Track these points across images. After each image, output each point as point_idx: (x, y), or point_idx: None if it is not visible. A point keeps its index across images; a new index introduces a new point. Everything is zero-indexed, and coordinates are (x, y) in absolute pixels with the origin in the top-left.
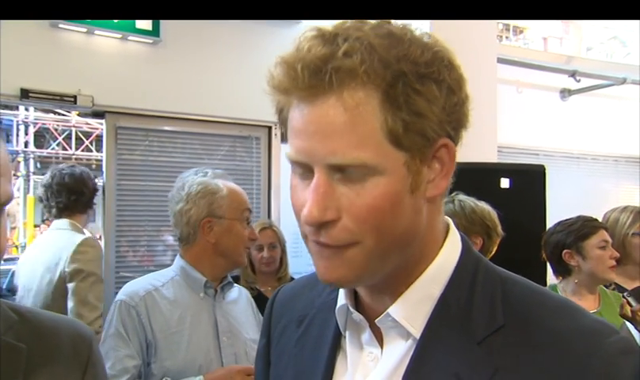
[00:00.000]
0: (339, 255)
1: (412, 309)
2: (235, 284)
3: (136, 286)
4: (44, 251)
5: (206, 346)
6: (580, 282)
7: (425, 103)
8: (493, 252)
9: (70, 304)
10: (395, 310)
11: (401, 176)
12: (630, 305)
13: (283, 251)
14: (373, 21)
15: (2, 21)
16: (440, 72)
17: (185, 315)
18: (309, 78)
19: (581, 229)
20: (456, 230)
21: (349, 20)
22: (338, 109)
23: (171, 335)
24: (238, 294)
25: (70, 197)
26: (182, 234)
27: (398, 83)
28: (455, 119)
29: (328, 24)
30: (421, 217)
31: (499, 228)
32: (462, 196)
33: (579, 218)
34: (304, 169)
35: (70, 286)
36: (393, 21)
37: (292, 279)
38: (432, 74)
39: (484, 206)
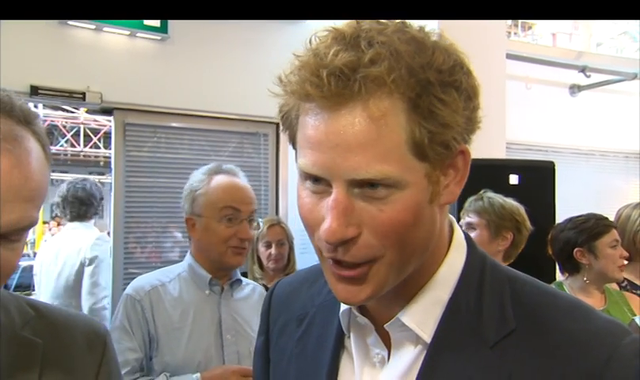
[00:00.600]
0: (360, 278)
1: (422, 314)
2: (251, 281)
3: (143, 281)
4: (66, 243)
5: (207, 343)
6: (591, 280)
7: (451, 113)
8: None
9: (86, 284)
10: (406, 316)
11: (422, 187)
12: None
13: (291, 248)
14: (390, 23)
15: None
16: (461, 79)
17: (188, 311)
18: (335, 86)
19: (594, 227)
20: (459, 228)
21: (365, 21)
22: (364, 119)
23: (173, 331)
24: (251, 292)
25: (81, 207)
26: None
27: (424, 93)
28: (471, 126)
29: (338, 24)
30: (437, 224)
31: (527, 222)
32: (490, 193)
33: (590, 216)
34: (319, 182)
35: (88, 269)
36: (407, 22)
37: None
38: (454, 82)
39: (512, 202)
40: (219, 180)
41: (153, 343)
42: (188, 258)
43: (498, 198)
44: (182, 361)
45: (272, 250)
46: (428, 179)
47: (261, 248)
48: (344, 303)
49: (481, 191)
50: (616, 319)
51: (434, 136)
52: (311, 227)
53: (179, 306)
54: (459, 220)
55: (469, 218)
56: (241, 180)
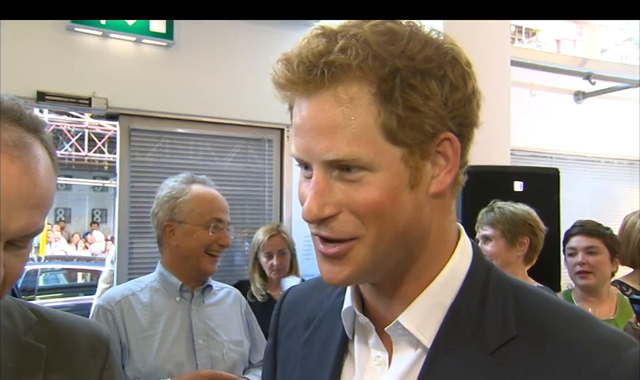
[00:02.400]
0: (342, 257)
1: (423, 317)
2: (227, 286)
3: (115, 291)
4: None
5: (177, 350)
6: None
7: (421, 98)
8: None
9: None
10: (406, 319)
11: (398, 171)
12: None
13: (293, 255)
14: (376, 21)
15: (19, 26)
16: (441, 67)
17: (159, 319)
18: (303, 73)
19: (566, 234)
20: (467, 237)
21: (355, 20)
22: (332, 104)
23: (143, 339)
24: (225, 295)
25: None
26: (156, 237)
27: (394, 79)
28: (459, 115)
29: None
30: (424, 213)
31: (541, 224)
32: (499, 203)
33: (580, 222)
34: (305, 165)
35: None
36: (404, 21)
37: (302, 280)
38: (430, 69)
39: (522, 207)
40: (200, 189)
41: (124, 351)
42: (158, 267)
43: (509, 206)
44: (153, 368)
45: (274, 261)
46: (405, 163)
47: (263, 259)
48: (327, 282)
49: (491, 203)
50: (622, 331)
51: (402, 120)
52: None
53: (149, 314)
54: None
55: (483, 230)
56: (214, 189)
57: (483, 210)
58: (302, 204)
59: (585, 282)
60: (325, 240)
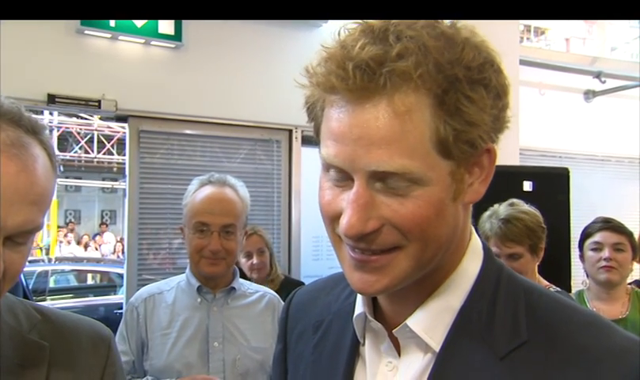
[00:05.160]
0: (381, 267)
1: (431, 320)
2: (264, 289)
3: (145, 289)
4: None
5: (189, 350)
6: (590, 283)
7: (477, 111)
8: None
9: None
10: (414, 322)
11: (445, 185)
12: None
13: (272, 254)
14: (425, 21)
15: (29, 29)
16: (491, 77)
17: (177, 319)
18: (360, 79)
19: (585, 229)
20: (478, 238)
21: (397, 20)
22: (389, 113)
23: (161, 336)
24: (257, 300)
25: None
26: None
27: (452, 89)
28: (499, 125)
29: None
30: (460, 223)
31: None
32: (502, 209)
33: (598, 218)
34: (341, 173)
35: None
36: (446, 21)
37: (301, 282)
38: (483, 79)
39: (529, 210)
40: (202, 192)
41: (145, 347)
42: (187, 267)
43: (517, 213)
44: (164, 366)
45: (254, 260)
46: (452, 177)
47: (242, 260)
48: (359, 293)
49: (490, 209)
50: (636, 337)
51: (459, 134)
52: (329, 218)
53: (170, 313)
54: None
55: (511, 248)
56: (227, 190)
57: (486, 215)
58: (325, 214)
59: (609, 276)
60: (364, 251)
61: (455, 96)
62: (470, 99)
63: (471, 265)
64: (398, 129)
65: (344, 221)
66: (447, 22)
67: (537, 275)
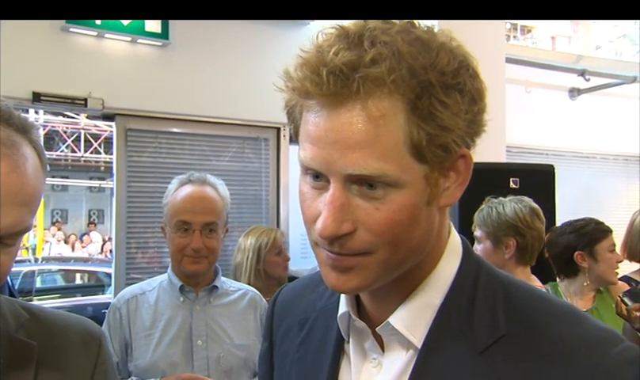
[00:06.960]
0: (351, 268)
1: (412, 318)
2: (245, 287)
3: (128, 290)
4: None
5: (173, 349)
6: (590, 283)
7: (451, 116)
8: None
9: None
10: (396, 319)
11: (420, 189)
12: (626, 304)
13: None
14: (397, 22)
15: (14, 27)
16: (465, 82)
17: (160, 318)
18: (334, 85)
19: (594, 232)
20: (456, 234)
21: (371, 21)
22: (362, 118)
23: (145, 337)
24: (239, 297)
25: None
26: None
27: (425, 94)
28: (474, 129)
29: (344, 23)
30: (434, 226)
31: (534, 222)
32: (494, 201)
33: (589, 220)
34: (319, 178)
35: None
36: (415, 22)
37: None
38: (457, 84)
39: (514, 206)
40: (182, 190)
41: (128, 348)
42: (169, 267)
43: (498, 206)
44: (148, 366)
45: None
46: (427, 181)
47: (274, 258)
48: (334, 290)
49: (487, 199)
50: (610, 327)
51: (432, 138)
52: (309, 221)
53: (153, 314)
54: (461, 228)
55: (475, 231)
56: (207, 189)
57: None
58: (305, 218)
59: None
60: (335, 254)
61: (429, 101)
62: (443, 104)
63: (450, 263)
64: (372, 133)
65: (319, 222)
66: (423, 26)
67: (531, 275)
